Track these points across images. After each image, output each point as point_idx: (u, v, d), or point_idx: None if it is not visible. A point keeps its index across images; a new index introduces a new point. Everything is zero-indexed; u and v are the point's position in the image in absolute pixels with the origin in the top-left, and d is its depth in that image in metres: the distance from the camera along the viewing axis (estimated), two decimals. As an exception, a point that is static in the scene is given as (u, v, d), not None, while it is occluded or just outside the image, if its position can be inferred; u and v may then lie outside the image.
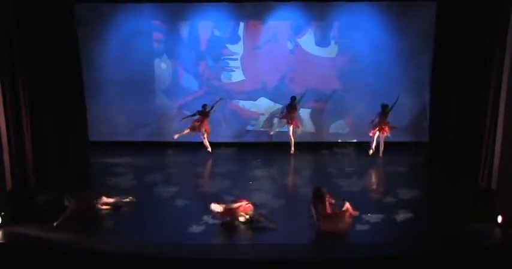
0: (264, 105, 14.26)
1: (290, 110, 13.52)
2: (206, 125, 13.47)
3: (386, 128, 13.08)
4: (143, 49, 13.91)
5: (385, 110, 13.06)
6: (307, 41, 13.89)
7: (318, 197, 8.89)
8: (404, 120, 13.88)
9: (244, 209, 9.39)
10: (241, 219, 9.36)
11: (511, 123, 9.20)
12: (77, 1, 12.66)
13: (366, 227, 9.22)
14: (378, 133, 13.10)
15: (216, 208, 9.34)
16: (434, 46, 12.21)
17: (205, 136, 13.49)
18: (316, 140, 14.20)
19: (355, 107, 14.01)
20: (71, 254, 8.42)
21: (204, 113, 13.43)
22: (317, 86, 14.04)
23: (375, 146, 13.21)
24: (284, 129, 13.92)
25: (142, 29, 13.84)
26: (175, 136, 13.54)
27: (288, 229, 9.22)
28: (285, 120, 13.64)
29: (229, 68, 14.12)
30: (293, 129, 13.59)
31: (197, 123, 13.40)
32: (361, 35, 13.68)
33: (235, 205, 9.40)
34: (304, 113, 14.22)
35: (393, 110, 13.08)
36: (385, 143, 13.25)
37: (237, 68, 14.10)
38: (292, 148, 13.64)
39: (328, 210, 8.87)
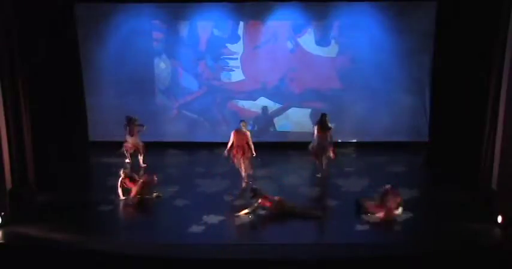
0: (264, 105, 14.25)
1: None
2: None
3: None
4: (143, 49, 13.89)
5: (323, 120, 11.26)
6: (307, 40, 13.87)
7: None
8: (405, 120, 13.88)
9: None
10: None
11: (511, 123, 9.20)
12: (77, 1, 12.65)
13: (366, 227, 9.22)
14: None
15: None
16: (434, 46, 12.20)
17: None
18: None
19: (355, 107, 13.99)
20: (71, 254, 8.43)
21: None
22: (317, 86, 14.02)
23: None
24: (282, 128, 13.98)
25: (142, 28, 13.82)
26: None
27: (288, 229, 9.21)
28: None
29: (229, 67, 14.10)
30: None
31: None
32: (361, 35, 13.66)
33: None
34: (304, 113, 14.21)
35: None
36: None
37: (237, 67, 14.08)
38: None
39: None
